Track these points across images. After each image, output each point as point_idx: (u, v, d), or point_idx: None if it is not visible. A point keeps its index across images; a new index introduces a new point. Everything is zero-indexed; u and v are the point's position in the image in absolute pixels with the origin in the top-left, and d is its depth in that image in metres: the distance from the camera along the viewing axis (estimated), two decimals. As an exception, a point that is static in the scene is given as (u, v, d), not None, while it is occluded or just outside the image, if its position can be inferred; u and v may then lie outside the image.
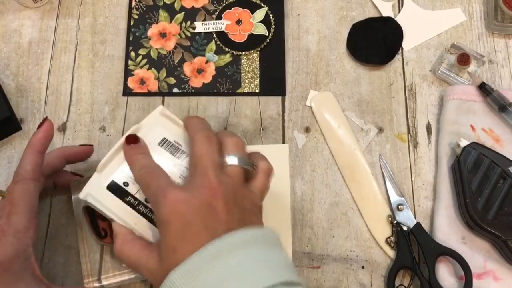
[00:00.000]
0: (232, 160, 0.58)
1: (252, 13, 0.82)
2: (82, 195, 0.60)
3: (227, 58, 0.81)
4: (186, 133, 0.63)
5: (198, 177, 0.55)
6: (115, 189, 0.61)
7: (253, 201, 0.58)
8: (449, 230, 0.70)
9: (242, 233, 0.52)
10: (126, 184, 0.61)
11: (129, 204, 0.60)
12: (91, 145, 0.71)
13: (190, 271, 0.49)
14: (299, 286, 0.51)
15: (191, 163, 0.58)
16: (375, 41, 0.80)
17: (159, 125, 0.63)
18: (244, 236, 0.52)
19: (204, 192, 0.54)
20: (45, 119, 0.64)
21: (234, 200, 0.55)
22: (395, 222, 0.71)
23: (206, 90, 0.79)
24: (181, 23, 0.83)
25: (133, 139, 0.61)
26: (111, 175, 0.61)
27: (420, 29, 0.82)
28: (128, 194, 0.61)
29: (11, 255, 0.57)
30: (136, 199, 0.60)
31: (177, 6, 0.84)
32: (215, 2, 0.84)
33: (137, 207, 0.60)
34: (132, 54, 0.81)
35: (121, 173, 0.61)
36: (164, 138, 0.63)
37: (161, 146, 0.62)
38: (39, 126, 0.63)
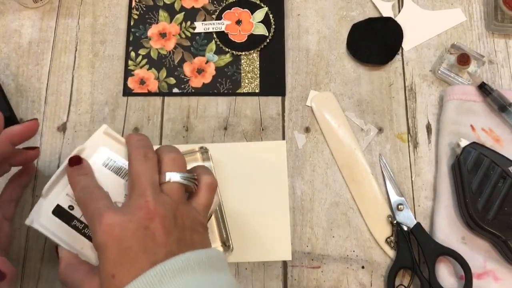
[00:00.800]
0: (170, 177, 0.56)
1: (252, 13, 0.82)
2: (28, 221, 0.60)
3: (227, 58, 0.81)
4: None
5: (135, 198, 0.54)
6: (61, 213, 0.60)
7: (195, 219, 0.56)
8: (449, 230, 0.70)
9: (184, 258, 0.50)
10: (71, 207, 0.60)
11: (74, 228, 0.60)
12: (35, 119, 0.67)
13: None
14: None
15: (128, 183, 0.57)
16: (375, 41, 0.80)
17: (103, 144, 0.62)
18: (186, 260, 0.50)
19: (141, 214, 0.52)
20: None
21: (174, 220, 0.53)
22: (395, 222, 0.71)
23: (206, 90, 0.79)
24: (181, 23, 0.83)
25: (76, 161, 0.60)
26: (56, 199, 0.60)
27: (420, 29, 0.82)
28: (73, 218, 0.60)
29: None
30: (81, 222, 0.60)
31: (177, 6, 0.84)
32: (215, 2, 0.84)
33: (83, 231, 0.59)
34: (132, 54, 0.81)
35: (66, 196, 0.60)
36: (108, 158, 0.62)
37: (105, 166, 0.61)
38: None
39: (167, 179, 0.56)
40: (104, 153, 0.62)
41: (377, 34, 0.81)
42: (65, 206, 0.60)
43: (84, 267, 0.57)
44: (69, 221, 0.60)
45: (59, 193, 0.61)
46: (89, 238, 0.59)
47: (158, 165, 0.57)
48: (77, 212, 0.60)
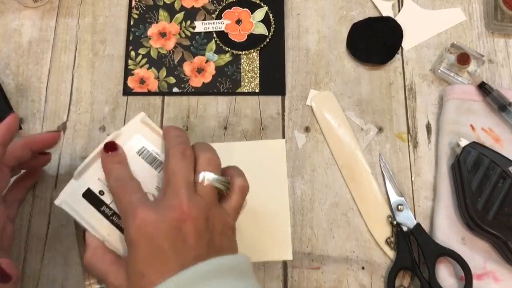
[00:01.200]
0: (205, 178, 0.56)
1: (252, 13, 0.82)
2: (57, 201, 0.59)
3: (227, 57, 0.81)
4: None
5: (169, 196, 0.54)
6: (91, 197, 0.59)
7: (226, 222, 0.56)
8: (449, 231, 0.70)
9: (216, 262, 0.51)
10: (101, 192, 0.59)
11: (103, 213, 0.59)
12: (58, 131, 0.68)
13: None
14: None
15: (163, 178, 0.57)
16: (375, 41, 0.80)
17: (139, 133, 0.62)
18: (218, 265, 0.51)
19: (174, 214, 0.52)
20: (11, 113, 0.63)
21: (206, 223, 0.53)
22: (395, 222, 0.71)
23: (206, 90, 0.79)
24: (181, 23, 0.82)
25: (111, 147, 0.59)
26: (87, 182, 0.59)
27: (420, 29, 0.82)
28: (103, 203, 0.59)
29: None
30: (110, 209, 0.59)
31: (177, 5, 0.83)
32: (215, 1, 0.84)
33: (111, 218, 0.59)
34: (132, 53, 0.81)
35: (98, 181, 0.60)
36: (143, 147, 0.61)
37: (139, 155, 0.61)
38: (4, 120, 0.61)
39: (201, 179, 0.55)
40: (139, 141, 0.61)
41: (377, 33, 0.81)
42: (95, 190, 0.59)
43: (110, 257, 0.56)
44: (99, 206, 0.59)
45: (90, 176, 0.60)
46: (117, 226, 0.58)
47: (194, 163, 0.57)
48: (107, 198, 0.59)
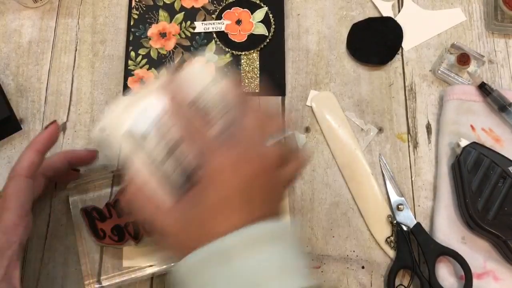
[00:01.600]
0: (276, 140, 0.54)
1: (252, 13, 0.82)
2: (98, 127, 0.54)
3: (227, 58, 0.81)
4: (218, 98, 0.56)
5: (246, 145, 0.52)
6: (130, 139, 0.54)
7: (282, 186, 0.55)
8: (449, 230, 0.70)
9: (279, 225, 0.50)
10: (144, 136, 0.53)
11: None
12: (96, 151, 0.70)
13: (223, 252, 0.47)
14: None
15: (240, 130, 0.54)
16: (375, 41, 0.80)
17: (198, 81, 0.56)
18: (280, 226, 0.50)
19: (251, 167, 0.50)
20: (53, 122, 0.63)
21: (271, 182, 0.52)
22: (395, 222, 0.71)
23: (206, 90, 0.79)
24: (181, 23, 0.83)
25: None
26: (131, 120, 0.54)
27: (420, 29, 0.82)
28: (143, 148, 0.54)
29: None
30: (150, 156, 0.53)
31: (177, 6, 0.84)
32: (215, 2, 0.84)
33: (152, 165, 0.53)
34: (132, 54, 0.81)
35: (143, 120, 0.54)
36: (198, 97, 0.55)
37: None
38: (46, 127, 0.62)
39: (272, 142, 0.54)
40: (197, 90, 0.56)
41: (377, 34, 0.81)
42: (137, 131, 0.54)
43: (160, 198, 0.53)
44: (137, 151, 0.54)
45: (138, 113, 0.54)
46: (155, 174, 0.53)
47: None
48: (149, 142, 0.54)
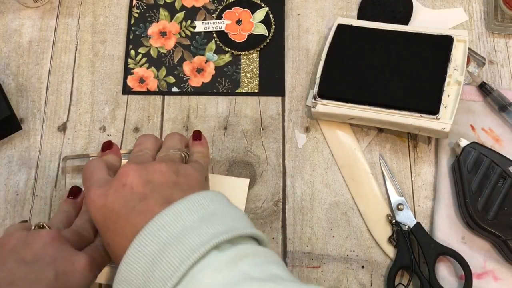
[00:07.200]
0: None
1: (252, 13, 0.82)
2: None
3: (226, 57, 0.81)
4: None
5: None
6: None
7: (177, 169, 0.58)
8: (449, 230, 0.70)
9: (203, 194, 0.52)
10: None
11: None
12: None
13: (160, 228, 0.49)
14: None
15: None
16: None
17: None
18: (204, 196, 0.52)
19: (114, 180, 0.55)
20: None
21: (145, 172, 0.55)
22: (394, 221, 0.71)
23: (206, 90, 0.79)
24: (181, 22, 0.83)
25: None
26: None
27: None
28: None
29: None
30: None
31: (177, 5, 0.84)
32: (215, 1, 0.84)
33: None
34: (132, 52, 0.81)
35: None
36: None
37: None
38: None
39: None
40: None
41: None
42: None
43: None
44: None
45: None
46: None
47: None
48: None
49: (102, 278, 0.65)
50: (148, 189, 0.53)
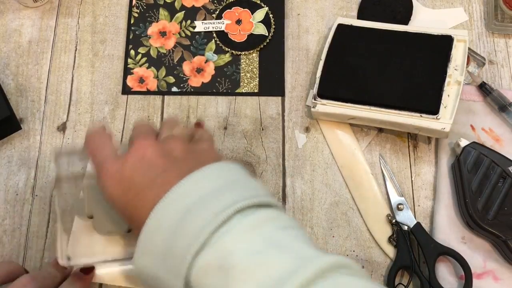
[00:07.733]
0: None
1: (252, 13, 0.82)
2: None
3: (226, 57, 0.81)
4: None
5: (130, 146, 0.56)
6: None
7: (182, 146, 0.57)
8: (449, 230, 0.70)
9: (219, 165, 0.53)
10: None
11: None
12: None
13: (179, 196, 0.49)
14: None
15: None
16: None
17: None
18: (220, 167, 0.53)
19: (133, 150, 0.54)
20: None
21: (162, 147, 0.55)
22: (394, 221, 0.71)
23: (205, 90, 0.79)
24: (181, 22, 0.83)
25: None
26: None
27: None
28: None
29: None
30: None
31: (177, 5, 0.84)
32: (215, 1, 0.84)
33: None
34: (132, 52, 0.81)
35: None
36: None
37: None
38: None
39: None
40: None
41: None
42: None
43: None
44: None
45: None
46: None
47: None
48: None
49: (102, 278, 0.65)
50: (168, 162, 0.53)
